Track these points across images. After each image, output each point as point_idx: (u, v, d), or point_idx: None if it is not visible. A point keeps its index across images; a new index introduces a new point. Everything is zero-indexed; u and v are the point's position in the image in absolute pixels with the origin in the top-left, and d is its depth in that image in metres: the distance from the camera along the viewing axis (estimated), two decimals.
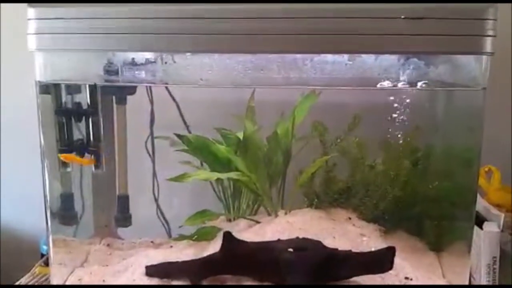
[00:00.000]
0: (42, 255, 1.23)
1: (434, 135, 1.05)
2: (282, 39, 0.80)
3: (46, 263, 1.09)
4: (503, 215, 0.96)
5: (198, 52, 0.86)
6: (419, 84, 0.85)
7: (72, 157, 0.95)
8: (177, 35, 0.82)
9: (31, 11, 0.85)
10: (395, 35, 0.78)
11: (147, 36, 0.83)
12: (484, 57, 0.81)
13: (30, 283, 1.09)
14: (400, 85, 0.85)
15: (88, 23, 0.84)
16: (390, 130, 1.01)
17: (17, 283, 1.09)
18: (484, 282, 0.96)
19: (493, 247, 0.94)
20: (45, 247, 1.22)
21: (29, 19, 0.85)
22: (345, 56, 0.84)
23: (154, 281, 0.95)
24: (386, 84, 0.85)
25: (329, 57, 0.85)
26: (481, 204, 1.02)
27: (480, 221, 0.96)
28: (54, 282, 0.99)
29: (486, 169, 1.11)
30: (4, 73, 1.35)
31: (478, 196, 0.97)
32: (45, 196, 0.96)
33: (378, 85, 0.85)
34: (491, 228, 0.95)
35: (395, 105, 0.97)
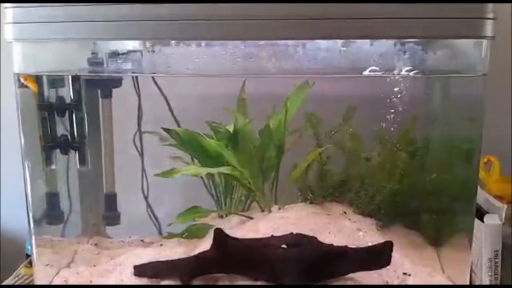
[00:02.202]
0: (28, 256, 1.19)
1: (432, 125, 1.02)
2: (272, 25, 0.76)
3: (31, 264, 1.06)
4: (505, 206, 0.94)
5: (185, 39, 0.82)
6: (417, 71, 0.82)
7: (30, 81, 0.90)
8: (162, 21, 0.78)
9: None
10: (390, 18, 0.74)
11: (132, 24, 0.79)
12: (484, 41, 0.78)
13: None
14: (396, 72, 0.82)
15: (68, 10, 0.80)
16: (386, 120, 0.98)
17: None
18: (485, 277, 0.94)
19: (495, 240, 0.93)
20: (30, 247, 1.19)
21: (5, 8, 0.82)
22: (339, 42, 0.81)
23: (143, 281, 0.92)
24: (382, 71, 0.81)
25: (322, 43, 0.81)
26: (482, 196, 1.00)
27: (481, 213, 0.94)
28: (38, 283, 0.97)
29: (485, 160, 1.10)
30: (4, 72, 1.32)
31: (479, 188, 0.95)
32: (26, 196, 0.94)
33: (373, 73, 0.82)
34: (492, 220, 0.93)
35: (391, 93, 0.94)
